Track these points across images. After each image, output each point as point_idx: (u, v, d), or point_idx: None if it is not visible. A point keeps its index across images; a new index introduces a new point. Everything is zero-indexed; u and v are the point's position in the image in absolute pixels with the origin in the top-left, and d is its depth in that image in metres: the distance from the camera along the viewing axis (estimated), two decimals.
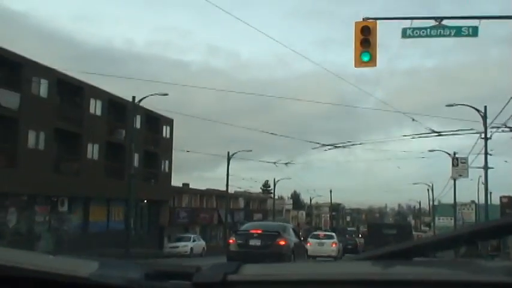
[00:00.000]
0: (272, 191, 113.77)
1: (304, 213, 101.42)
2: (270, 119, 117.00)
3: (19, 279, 1.36)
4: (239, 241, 17.60)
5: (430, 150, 48.20)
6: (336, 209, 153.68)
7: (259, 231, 17.75)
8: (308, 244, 28.77)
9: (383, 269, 1.34)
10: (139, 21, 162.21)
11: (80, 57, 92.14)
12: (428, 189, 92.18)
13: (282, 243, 17.13)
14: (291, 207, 75.09)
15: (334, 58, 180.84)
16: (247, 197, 71.32)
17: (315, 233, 37.93)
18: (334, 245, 31.61)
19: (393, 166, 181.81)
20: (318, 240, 31.69)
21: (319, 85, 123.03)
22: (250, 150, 49.71)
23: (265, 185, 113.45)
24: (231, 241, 18.31)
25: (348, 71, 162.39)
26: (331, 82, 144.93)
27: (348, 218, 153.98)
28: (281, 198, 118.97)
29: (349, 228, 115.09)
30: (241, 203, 67.18)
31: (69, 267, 1.40)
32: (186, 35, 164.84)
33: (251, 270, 1.36)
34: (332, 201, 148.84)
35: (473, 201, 74.81)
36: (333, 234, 36.23)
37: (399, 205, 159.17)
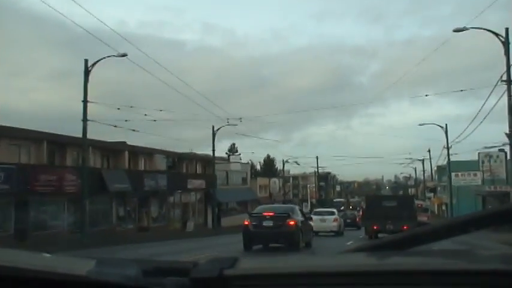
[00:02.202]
0: (242, 160, 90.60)
1: (277, 181, 77.76)
2: (267, 95, 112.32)
3: (16, 279, 1.30)
4: (254, 222, 19.18)
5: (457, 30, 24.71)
6: (324, 178, 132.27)
7: (271, 214, 19.38)
8: (310, 221, 26.85)
9: (379, 260, 1.35)
10: (131, 1, 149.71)
11: (72, 40, 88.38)
12: (428, 155, 69.70)
13: (292, 223, 18.83)
14: (238, 167, 50.62)
15: (331, 31, 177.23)
16: (177, 156, 47.37)
17: (317, 210, 38.45)
18: (335, 221, 33.32)
19: (390, 138, 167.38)
20: (320, 217, 32.60)
21: (315, 59, 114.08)
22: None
23: (231, 149, 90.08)
24: (246, 223, 19.47)
25: (344, 43, 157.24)
26: (327, 55, 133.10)
27: (338, 188, 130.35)
28: (252, 164, 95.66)
29: (336, 200, 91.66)
30: (161, 162, 43.31)
31: (67, 266, 1.39)
32: (179, 13, 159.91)
33: (247, 265, 1.37)
34: (326, 173, 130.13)
35: (502, 150, 50.40)
36: (335, 210, 36.36)
37: (395, 176, 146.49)
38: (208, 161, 53.41)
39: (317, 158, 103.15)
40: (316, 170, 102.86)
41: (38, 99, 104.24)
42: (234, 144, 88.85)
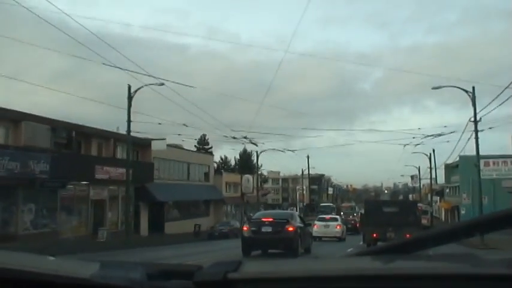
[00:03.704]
0: (211, 151, 75.23)
1: (251, 178, 62.26)
2: (269, 101, 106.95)
3: (20, 282, 1.30)
4: (253, 228, 18.87)
5: None
6: (317, 181, 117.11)
7: (270, 219, 19.13)
8: (315, 226, 31.44)
9: (383, 264, 1.34)
10: (136, 3, 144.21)
11: (75, 42, 73.34)
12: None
13: (290, 229, 18.41)
14: (161, 147, 34.38)
15: (335, 37, 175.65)
16: (75, 129, 31.62)
17: (321, 216, 37.56)
18: (338, 227, 33.06)
19: (390, 146, 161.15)
20: (324, 223, 33.19)
21: (319, 65, 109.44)
22: None
23: (202, 141, 74.70)
24: (245, 228, 19.43)
25: (348, 50, 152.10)
26: (331, 62, 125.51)
27: (331, 191, 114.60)
28: (224, 159, 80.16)
29: (323, 204, 76.10)
30: (43, 136, 27.73)
31: (70, 269, 1.37)
32: (184, 16, 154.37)
33: (252, 268, 1.35)
34: (320, 175, 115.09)
35: None
36: (338, 217, 36.90)
37: (394, 184, 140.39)
38: (139, 145, 37.96)
39: (308, 157, 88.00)
40: (307, 171, 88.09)
41: None
42: (204, 135, 73.47)
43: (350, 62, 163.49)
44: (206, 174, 55.71)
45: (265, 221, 19.03)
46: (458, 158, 58.52)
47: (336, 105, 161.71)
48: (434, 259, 1.35)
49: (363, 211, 32.26)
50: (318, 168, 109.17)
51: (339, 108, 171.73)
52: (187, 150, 51.34)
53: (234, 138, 28.99)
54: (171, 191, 44.36)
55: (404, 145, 31.04)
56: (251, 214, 36.36)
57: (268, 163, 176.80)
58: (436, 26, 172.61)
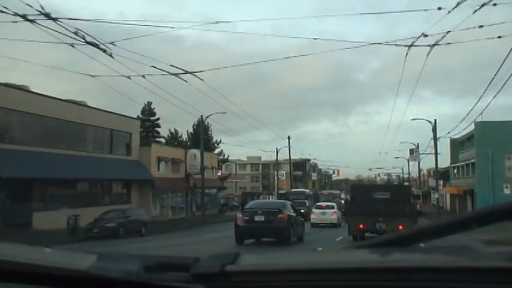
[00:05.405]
0: (157, 122, 59.09)
1: (198, 154, 46.11)
2: (265, 92, 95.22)
3: (17, 274, 1.29)
4: (246, 217, 19.51)
5: None
6: (301, 166, 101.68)
7: (263, 209, 19.94)
8: (312, 214, 34.52)
9: (381, 257, 1.33)
10: None
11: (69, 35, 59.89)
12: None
13: (283, 218, 19.16)
14: None
15: (332, 27, 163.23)
16: None
17: (319, 203, 38.63)
18: (334, 214, 34.53)
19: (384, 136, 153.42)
20: (321, 210, 34.93)
21: (315, 56, 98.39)
22: None
23: (146, 111, 58.67)
24: (238, 217, 19.89)
25: (344, 40, 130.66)
26: (327, 52, 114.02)
27: (314, 177, 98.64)
28: (174, 134, 64.07)
29: (294, 190, 60.25)
30: None
31: (68, 261, 1.36)
32: (180, 7, 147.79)
33: (249, 261, 1.33)
34: (304, 159, 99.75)
35: None
36: (334, 204, 37.18)
37: (388, 174, 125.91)
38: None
39: (288, 138, 72.32)
40: (288, 152, 72.30)
41: None
42: (149, 103, 57.25)
43: (346, 53, 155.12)
44: (128, 146, 39.55)
45: (257, 210, 19.72)
46: (473, 126, 42.68)
47: (332, 96, 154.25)
48: (431, 252, 1.31)
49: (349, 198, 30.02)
50: (288, 140, 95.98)
51: (334, 99, 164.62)
52: (88, 107, 35.16)
53: (88, 42, 12.67)
54: (44, 164, 28.36)
55: (409, 46, 14.46)
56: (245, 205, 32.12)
57: (252, 150, 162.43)
58: (431, 16, 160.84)
